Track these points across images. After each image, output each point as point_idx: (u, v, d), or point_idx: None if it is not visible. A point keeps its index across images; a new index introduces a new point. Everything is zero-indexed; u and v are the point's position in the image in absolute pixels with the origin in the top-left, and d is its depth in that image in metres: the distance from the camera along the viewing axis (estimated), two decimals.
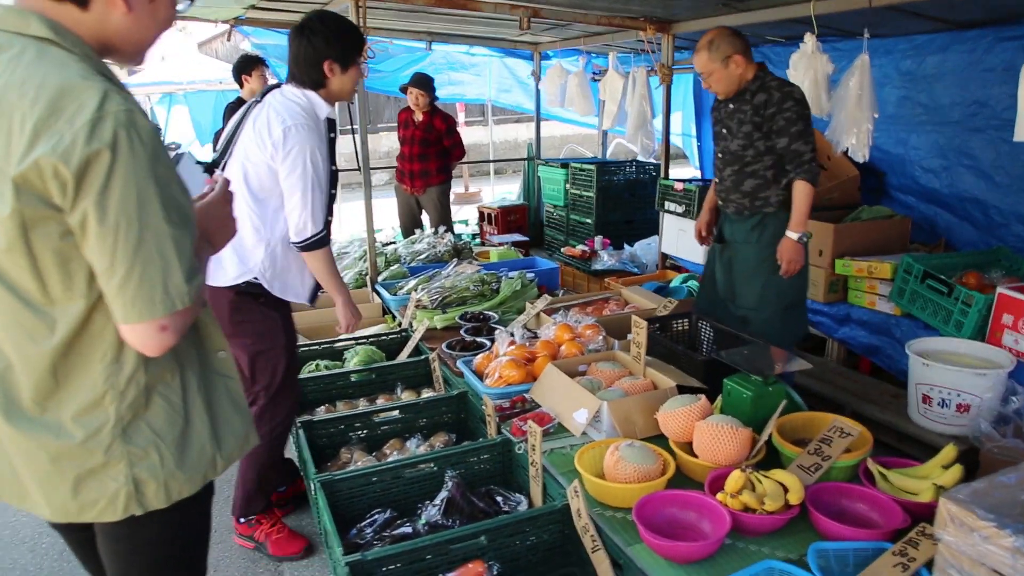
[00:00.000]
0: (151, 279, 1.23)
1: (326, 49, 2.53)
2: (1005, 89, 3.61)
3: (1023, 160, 3.72)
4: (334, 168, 2.71)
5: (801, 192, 3.04)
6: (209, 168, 3.20)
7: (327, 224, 2.69)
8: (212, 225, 1.50)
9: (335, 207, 2.78)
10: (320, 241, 2.59)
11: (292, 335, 2.77)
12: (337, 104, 2.76)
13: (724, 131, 3.29)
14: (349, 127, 4.81)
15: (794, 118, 3.02)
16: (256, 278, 2.58)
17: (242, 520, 2.91)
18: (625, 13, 4.81)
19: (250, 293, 2.61)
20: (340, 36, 2.57)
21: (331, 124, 2.70)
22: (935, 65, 4.12)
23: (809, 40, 3.73)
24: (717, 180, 3.41)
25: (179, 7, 1.28)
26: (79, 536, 1.59)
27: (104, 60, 1.33)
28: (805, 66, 3.74)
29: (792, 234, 3.08)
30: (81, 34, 1.27)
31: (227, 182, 1.58)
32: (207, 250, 1.50)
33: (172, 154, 2.93)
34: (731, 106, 3.21)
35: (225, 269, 2.57)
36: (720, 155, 3.36)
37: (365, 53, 4.22)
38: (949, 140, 4.11)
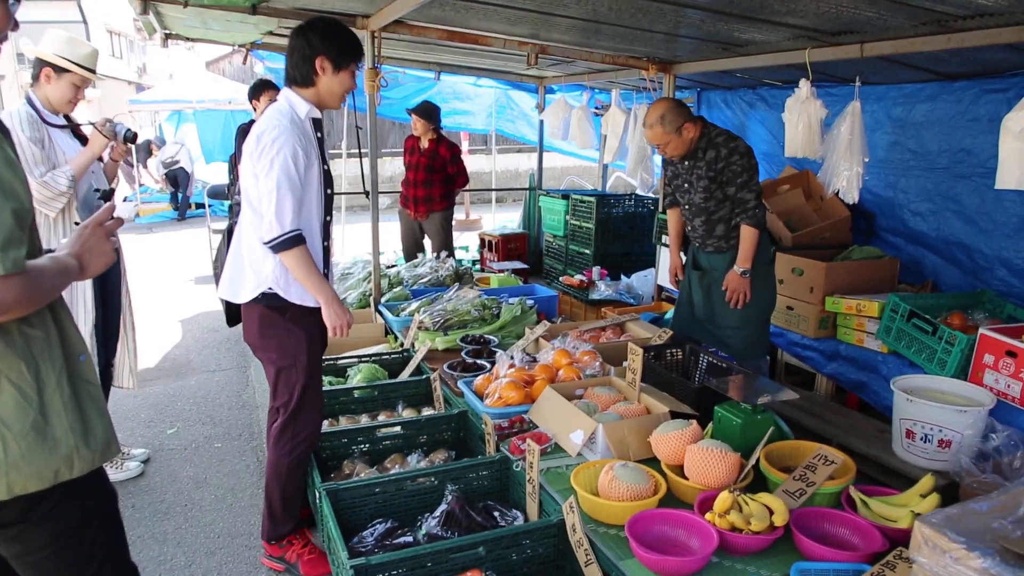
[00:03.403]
0: None
1: (321, 45, 2.55)
2: (990, 139, 3.76)
3: (1007, 207, 3.87)
4: (326, 168, 2.72)
5: (746, 234, 3.53)
6: (105, 196, 3.30)
7: (326, 225, 2.72)
8: (83, 248, 1.57)
9: (335, 217, 2.74)
10: (287, 242, 2.51)
11: (316, 355, 2.77)
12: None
13: (686, 185, 3.71)
14: (357, 151, 4.95)
15: (739, 170, 3.47)
16: (271, 287, 2.60)
17: (272, 542, 2.89)
18: (629, 53, 5.00)
19: (277, 308, 2.64)
20: (338, 37, 2.60)
21: (317, 124, 2.69)
22: (924, 113, 4.30)
23: (804, 85, 3.90)
24: (690, 228, 3.85)
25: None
26: None
27: None
28: (800, 110, 3.90)
29: (738, 268, 3.57)
30: None
31: (108, 208, 1.65)
32: (73, 271, 1.54)
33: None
34: (687, 163, 3.64)
35: (246, 284, 2.63)
36: (687, 207, 3.78)
37: (378, 83, 4.39)
38: (936, 185, 4.26)
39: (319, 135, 2.70)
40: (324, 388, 3.47)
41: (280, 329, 2.66)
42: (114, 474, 3.59)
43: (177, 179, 13.40)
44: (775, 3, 3.11)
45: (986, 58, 3.66)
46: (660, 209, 5.68)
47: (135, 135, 3.57)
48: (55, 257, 1.52)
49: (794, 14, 3.27)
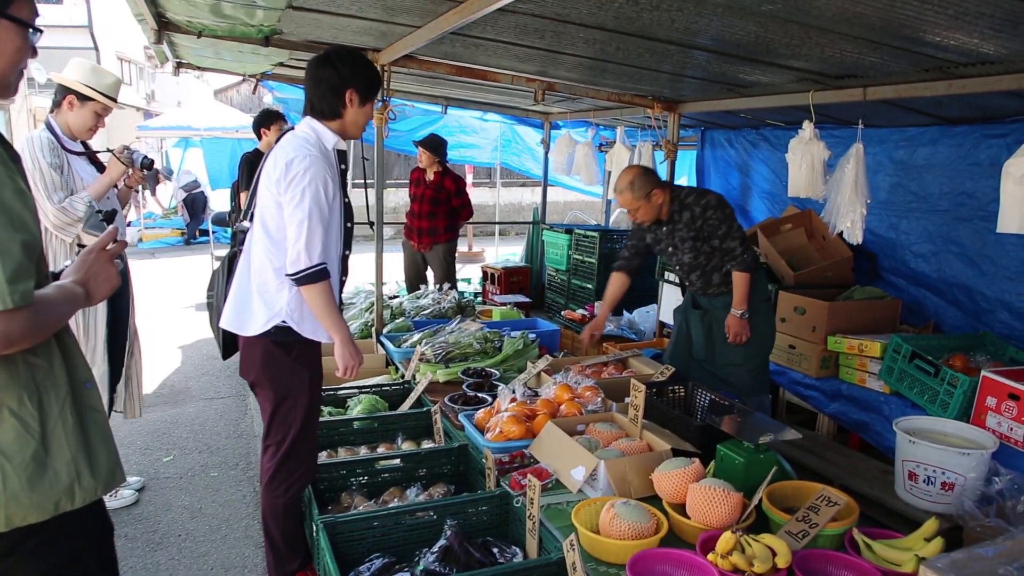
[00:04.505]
0: None
1: (352, 78, 2.53)
2: (990, 183, 3.80)
3: (1008, 251, 3.89)
4: (347, 201, 2.67)
5: (738, 279, 3.66)
6: (108, 217, 3.29)
7: (344, 259, 2.67)
8: (87, 274, 1.55)
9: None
10: (314, 275, 2.44)
11: (317, 395, 2.71)
12: (352, 155, 2.73)
13: (670, 249, 3.80)
14: (363, 182, 5.00)
15: (716, 224, 3.60)
16: (284, 321, 2.53)
17: None
18: (635, 91, 5.06)
19: (283, 344, 2.56)
20: (365, 70, 2.59)
21: (341, 155, 2.67)
22: (925, 156, 4.34)
23: (807, 127, 3.94)
24: (687, 282, 3.89)
25: (33, 38, 1.38)
26: None
27: None
28: (803, 151, 3.94)
29: (735, 311, 3.69)
30: None
31: (112, 232, 1.63)
32: (80, 299, 1.52)
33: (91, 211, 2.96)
34: (665, 228, 3.75)
35: (255, 316, 2.55)
36: (678, 267, 3.88)
37: (386, 115, 4.45)
38: (938, 227, 4.29)
39: (343, 167, 2.68)
40: (323, 419, 3.46)
41: (284, 368, 2.58)
42: (109, 502, 3.56)
43: (196, 203, 13.54)
44: (781, 47, 3.16)
45: (987, 104, 3.71)
46: None
47: (152, 162, 3.60)
48: (60, 286, 1.51)
49: (799, 57, 3.32)
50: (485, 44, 3.87)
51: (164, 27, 4.07)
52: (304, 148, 2.47)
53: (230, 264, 2.74)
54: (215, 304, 2.83)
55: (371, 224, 4.80)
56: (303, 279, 2.45)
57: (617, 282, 4.03)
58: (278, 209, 2.49)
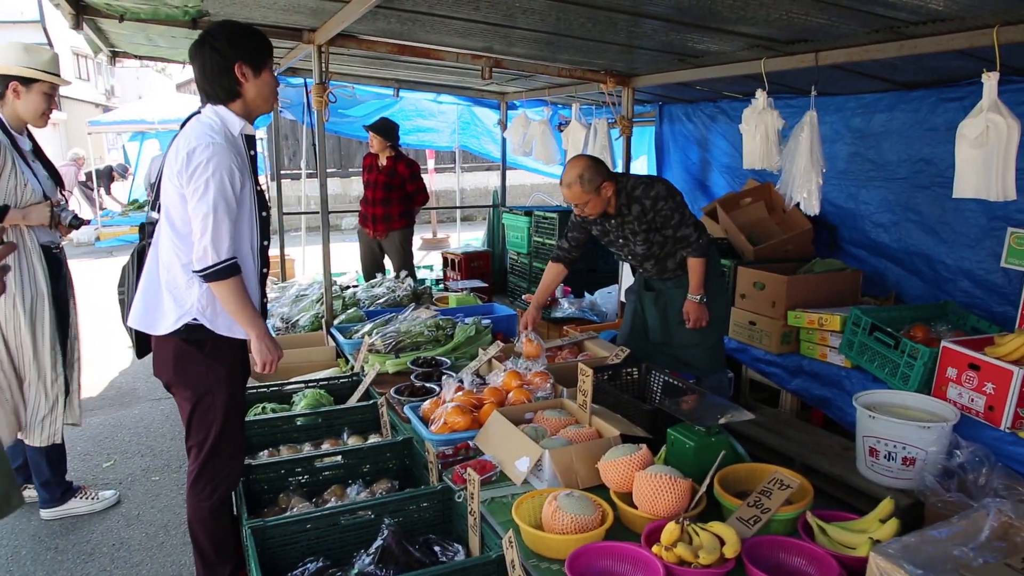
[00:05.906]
0: None
1: (233, 53, 2.34)
2: (948, 148, 3.66)
3: (967, 217, 3.81)
4: (260, 189, 2.50)
5: (694, 265, 3.56)
6: None
7: (263, 250, 2.52)
8: None
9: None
10: (222, 272, 2.30)
11: (237, 391, 2.55)
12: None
13: (620, 241, 3.66)
14: (316, 170, 4.82)
15: (669, 214, 3.46)
16: (196, 319, 2.38)
17: None
18: (587, 66, 4.91)
19: (196, 341, 2.41)
20: (248, 38, 2.40)
21: (250, 141, 2.50)
22: (883, 123, 4.24)
23: (760, 96, 3.82)
24: (641, 270, 3.77)
25: None
26: None
27: None
28: (756, 121, 3.82)
29: (693, 297, 3.59)
30: None
31: None
32: None
33: None
34: (613, 221, 3.57)
35: (165, 315, 2.39)
36: (630, 257, 3.75)
37: (326, 98, 4.25)
38: (897, 196, 4.20)
39: (252, 153, 2.50)
40: (264, 416, 3.31)
41: (198, 365, 2.43)
42: (91, 505, 3.46)
43: None
44: (724, 11, 3.03)
45: (942, 66, 3.61)
46: None
47: (80, 224, 3.47)
48: None
49: (745, 22, 3.19)
50: (424, 19, 3.69)
51: (82, 11, 3.83)
52: (207, 136, 2.29)
53: (139, 258, 2.56)
54: (126, 301, 2.65)
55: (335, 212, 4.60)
56: (210, 276, 2.30)
57: (554, 271, 3.86)
58: (182, 202, 2.32)
